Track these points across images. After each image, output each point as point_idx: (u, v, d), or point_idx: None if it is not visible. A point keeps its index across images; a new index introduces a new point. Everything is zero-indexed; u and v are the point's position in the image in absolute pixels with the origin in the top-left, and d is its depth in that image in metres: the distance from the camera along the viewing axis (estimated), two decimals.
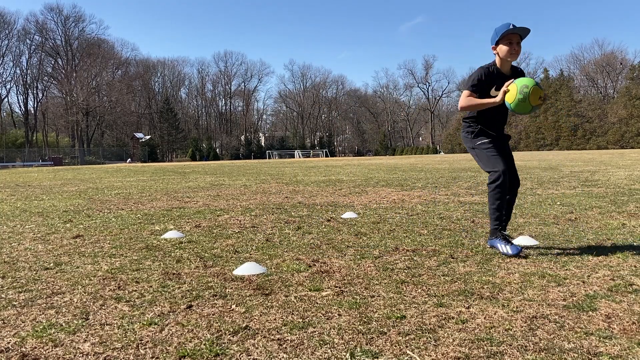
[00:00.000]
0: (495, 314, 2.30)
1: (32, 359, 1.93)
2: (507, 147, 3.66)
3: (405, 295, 2.60)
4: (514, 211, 5.65)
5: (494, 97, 3.44)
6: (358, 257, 3.54)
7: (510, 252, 3.36)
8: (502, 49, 3.45)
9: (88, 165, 51.10)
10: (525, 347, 1.93)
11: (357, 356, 1.88)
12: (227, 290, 2.77)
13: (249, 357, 1.90)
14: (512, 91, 3.28)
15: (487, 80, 3.47)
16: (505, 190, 3.43)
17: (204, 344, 2.01)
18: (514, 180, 3.58)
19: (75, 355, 1.94)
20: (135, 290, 2.80)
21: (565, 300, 2.48)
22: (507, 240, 3.44)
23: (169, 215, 6.09)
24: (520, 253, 3.36)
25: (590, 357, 1.83)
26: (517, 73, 3.61)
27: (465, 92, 3.50)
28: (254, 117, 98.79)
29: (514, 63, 3.60)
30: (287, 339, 2.05)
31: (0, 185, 13.79)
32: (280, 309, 2.42)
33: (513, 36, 3.42)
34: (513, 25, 3.39)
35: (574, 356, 1.84)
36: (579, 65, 79.31)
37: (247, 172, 19.02)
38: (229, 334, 2.12)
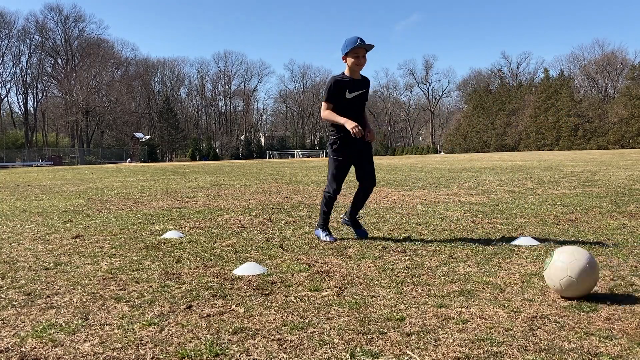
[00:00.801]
0: (495, 314, 2.30)
1: (32, 359, 1.92)
2: (367, 154, 4.18)
3: (405, 296, 2.60)
4: (514, 211, 5.66)
5: (350, 98, 4.01)
6: (358, 257, 3.54)
7: (327, 239, 4.13)
8: (350, 60, 3.99)
9: (88, 165, 51.11)
10: (526, 347, 1.92)
11: (357, 356, 1.88)
12: (227, 290, 2.77)
13: (249, 357, 1.89)
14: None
15: (338, 87, 4.00)
16: (331, 203, 4.21)
17: (204, 344, 2.00)
18: (368, 181, 4.15)
19: (75, 356, 1.94)
20: (135, 290, 2.80)
21: (565, 300, 2.47)
22: (329, 231, 4.24)
23: (169, 215, 6.09)
24: (335, 241, 4.11)
25: (590, 357, 1.83)
26: (366, 80, 4.15)
27: (323, 105, 4.09)
28: (254, 117, 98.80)
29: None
30: (287, 339, 2.05)
31: (0, 185, 13.79)
32: (280, 309, 2.42)
33: (360, 50, 3.96)
34: (360, 41, 3.90)
35: (574, 356, 1.84)
36: (579, 65, 79.32)
37: (247, 172, 19.02)
38: (229, 334, 2.12)
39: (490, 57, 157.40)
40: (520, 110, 72.06)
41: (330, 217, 4.32)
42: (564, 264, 2.47)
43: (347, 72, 4.07)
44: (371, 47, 3.98)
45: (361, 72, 4.14)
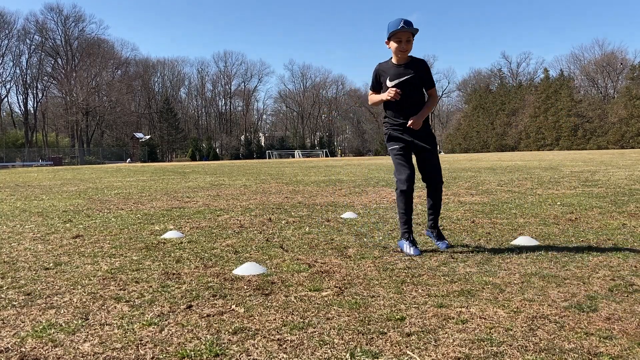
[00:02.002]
0: (495, 314, 2.30)
1: (31, 359, 1.92)
2: (424, 142, 3.73)
3: (405, 296, 2.60)
4: (514, 211, 5.66)
5: (392, 87, 3.66)
6: (358, 257, 3.54)
7: (412, 252, 3.57)
8: (392, 45, 3.68)
9: (88, 165, 51.10)
10: (526, 347, 1.92)
11: (357, 356, 1.88)
12: (227, 290, 2.77)
13: (248, 357, 1.89)
14: None
15: (377, 75, 3.79)
16: (405, 198, 3.67)
17: (204, 344, 2.00)
18: (429, 175, 3.73)
19: (75, 356, 1.94)
20: (135, 290, 2.80)
21: (565, 300, 2.47)
22: (412, 242, 3.64)
23: (169, 215, 6.09)
24: (420, 254, 3.55)
25: (590, 357, 1.83)
26: (416, 63, 3.74)
27: (369, 92, 3.91)
28: (254, 117, 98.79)
29: (416, 55, 3.75)
30: (287, 339, 2.05)
31: (0, 185, 13.78)
32: (280, 309, 2.42)
33: (403, 34, 3.61)
34: (404, 24, 3.55)
35: (574, 356, 1.84)
36: (579, 65, 79.32)
37: (247, 172, 19.02)
38: (229, 334, 2.12)
39: (490, 57, 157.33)
40: (520, 110, 72.03)
41: (411, 220, 3.72)
42: None
43: (393, 59, 3.75)
44: (416, 30, 3.62)
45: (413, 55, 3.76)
